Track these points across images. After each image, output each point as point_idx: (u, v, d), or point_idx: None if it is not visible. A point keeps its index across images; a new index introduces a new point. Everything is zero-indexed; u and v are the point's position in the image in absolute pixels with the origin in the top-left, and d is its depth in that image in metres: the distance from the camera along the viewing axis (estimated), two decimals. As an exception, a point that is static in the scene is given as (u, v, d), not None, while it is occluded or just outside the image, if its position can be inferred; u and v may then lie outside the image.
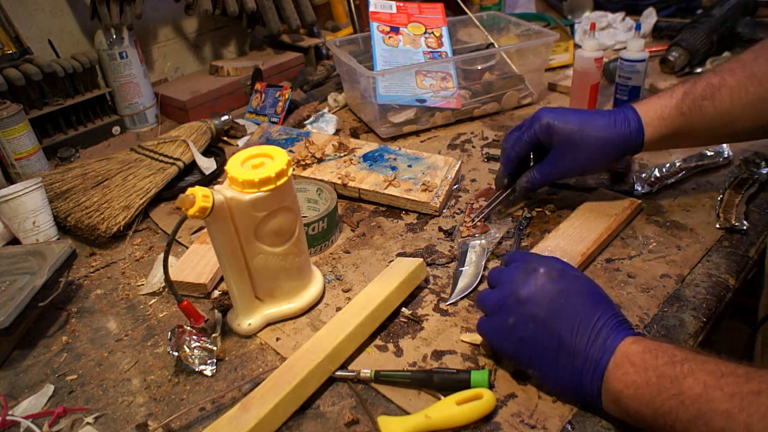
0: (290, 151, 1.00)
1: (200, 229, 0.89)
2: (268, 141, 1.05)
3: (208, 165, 1.04)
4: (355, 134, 1.15)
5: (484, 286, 0.72)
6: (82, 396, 0.63)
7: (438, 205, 0.86)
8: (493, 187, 0.89)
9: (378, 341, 0.66)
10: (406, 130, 1.13)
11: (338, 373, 0.61)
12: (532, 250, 0.75)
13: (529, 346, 0.55)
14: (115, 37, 1.19)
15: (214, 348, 0.65)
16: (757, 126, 0.74)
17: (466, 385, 0.57)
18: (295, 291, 0.70)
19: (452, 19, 1.31)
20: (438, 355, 0.63)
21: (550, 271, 0.56)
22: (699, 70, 1.27)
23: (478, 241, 0.78)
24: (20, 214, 0.84)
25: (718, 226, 0.78)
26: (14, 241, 0.87)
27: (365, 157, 0.97)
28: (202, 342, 0.65)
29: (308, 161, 0.96)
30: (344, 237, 0.85)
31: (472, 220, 0.82)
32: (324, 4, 1.63)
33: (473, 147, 1.07)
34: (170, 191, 0.97)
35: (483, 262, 0.75)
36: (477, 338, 0.64)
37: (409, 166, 0.93)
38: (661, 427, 0.48)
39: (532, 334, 0.54)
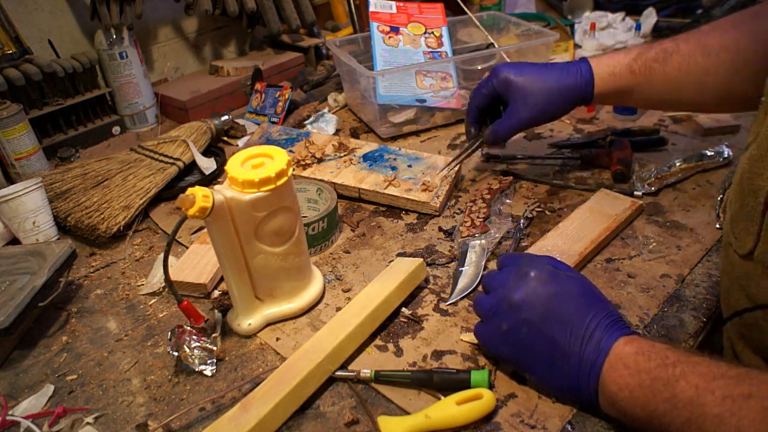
0: (290, 151, 1.00)
1: (200, 229, 0.89)
2: (268, 141, 1.05)
3: (208, 165, 1.04)
4: (355, 134, 1.15)
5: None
6: (82, 396, 0.63)
7: (438, 205, 0.86)
8: (493, 187, 0.89)
9: (378, 341, 0.66)
10: (406, 130, 1.13)
11: (338, 373, 0.61)
12: (530, 249, 0.75)
13: (524, 350, 0.55)
14: (115, 37, 1.19)
15: (214, 348, 0.65)
16: (702, 99, 0.77)
17: (466, 385, 0.57)
18: (295, 291, 0.70)
19: (452, 19, 1.31)
20: (438, 355, 0.63)
21: (540, 275, 0.56)
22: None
23: (478, 241, 0.78)
24: (20, 214, 0.84)
25: (718, 226, 0.78)
26: (14, 241, 0.87)
27: (365, 157, 0.97)
28: (202, 342, 0.65)
29: (308, 161, 0.96)
30: (344, 237, 0.85)
31: (446, 167, 0.90)
32: (324, 4, 1.63)
33: (473, 147, 1.07)
34: (170, 191, 0.97)
35: (483, 262, 0.75)
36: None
37: (409, 166, 0.93)
38: (656, 429, 0.48)
39: (526, 338, 0.54)
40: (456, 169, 0.91)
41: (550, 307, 0.54)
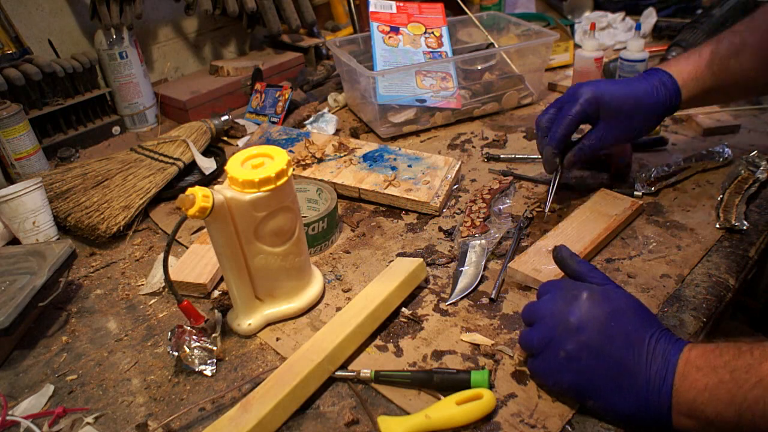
0: (290, 151, 1.00)
1: (200, 229, 0.89)
2: (268, 141, 1.05)
3: (208, 165, 1.04)
4: (355, 134, 1.15)
5: (483, 286, 0.72)
6: (82, 396, 0.63)
7: (438, 205, 0.86)
8: (493, 187, 0.89)
9: (378, 341, 0.66)
10: (406, 130, 1.13)
11: (338, 373, 0.61)
12: (530, 249, 0.75)
13: (586, 376, 0.52)
14: (115, 37, 1.19)
15: (214, 348, 0.65)
16: None
17: (466, 385, 0.57)
18: (295, 291, 0.70)
19: (452, 19, 1.31)
20: (438, 355, 0.63)
21: (593, 295, 0.54)
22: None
23: (478, 241, 0.78)
24: (20, 214, 0.84)
25: (718, 226, 0.78)
26: (14, 241, 0.87)
27: (365, 157, 0.97)
28: (202, 342, 0.65)
29: (308, 161, 0.96)
30: (344, 237, 0.85)
31: (544, 209, 0.83)
32: (324, 4, 1.63)
33: (473, 147, 1.07)
34: (170, 191, 0.97)
35: (483, 262, 0.75)
36: (477, 338, 0.64)
37: (409, 166, 0.93)
38: (750, 421, 0.45)
39: (588, 362, 0.52)
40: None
41: (609, 326, 0.52)
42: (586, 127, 0.81)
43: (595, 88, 0.77)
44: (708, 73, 0.77)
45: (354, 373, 0.60)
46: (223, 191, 0.61)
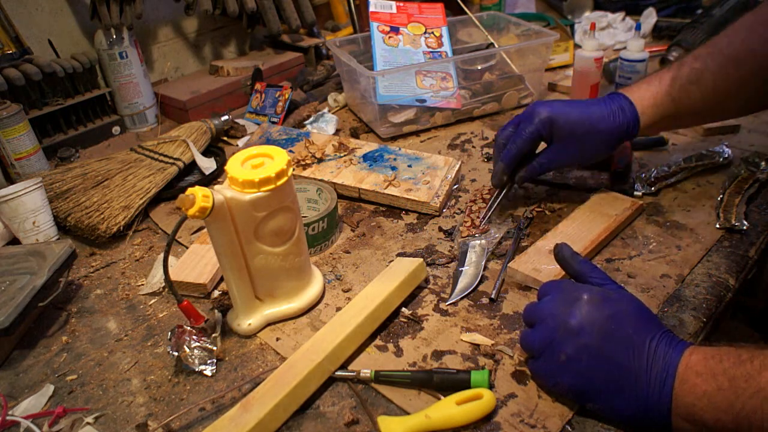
0: (290, 151, 1.00)
1: (200, 229, 0.89)
2: (268, 141, 1.05)
3: (208, 165, 1.04)
4: (355, 134, 1.15)
5: (483, 286, 0.72)
6: (82, 396, 0.63)
7: (438, 205, 0.86)
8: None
9: (378, 341, 0.66)
10: (406, 130, 1.13)
11: (338, 373, 0.61)
12: (530, 249, 0.75)
13: (586, 378, 0.52)
14: (115, 37, 1.19)
15: (214, 348, 0.65)
16: (739, 105, 0.79)
17: (466, 385, 0.57)
18: (295, 291, 0.70)
19: (452, 19, 1.31)
20: (438, 355, 0.63)
21: (593, 297, 0.54)
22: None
23: (478, 241, 0.78)
24: (20, 214, 0.84)
25: (718, 226, 0.78)
26: (14, 241, 0.87)
27: (365, 157, 0.97)
28: (202, 342, 0.65)
29: (308, 161, 0.96)
30: (344, 237, 0.85)
31: (481, 221, 0.83)
32: (324, 4, 1.63)
33: (473, 147, 1.07)
34: (170, 191, 0.97)
35: (483, 262, 0.75)
36: (477, 338, 0.64)
37: (409, 166, 0.93)
38: (747, 430, 0.45)
39: (588, 365, 0.52)
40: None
41: (609, 329, 0.52)
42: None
43: (551, 109, 0.77)
44: (668, 100, 0.76)
45: (354, 373, 0.60)
46: (223, 191, 0.61)
